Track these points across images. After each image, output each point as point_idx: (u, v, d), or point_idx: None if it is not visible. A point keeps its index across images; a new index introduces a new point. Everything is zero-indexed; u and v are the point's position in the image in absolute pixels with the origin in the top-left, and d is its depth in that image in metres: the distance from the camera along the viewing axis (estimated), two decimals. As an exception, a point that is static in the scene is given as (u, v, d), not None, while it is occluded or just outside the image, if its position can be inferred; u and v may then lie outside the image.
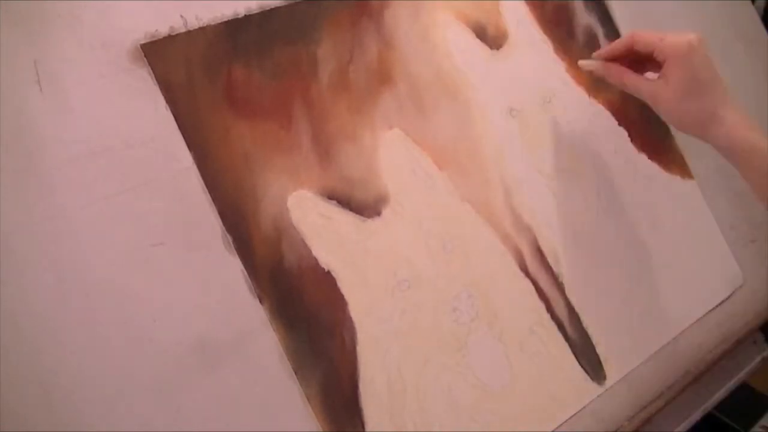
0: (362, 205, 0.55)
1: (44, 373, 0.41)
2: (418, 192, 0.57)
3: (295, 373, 0.49)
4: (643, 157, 0.70)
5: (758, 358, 0.76)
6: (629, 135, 0.70)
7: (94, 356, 0.43)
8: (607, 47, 0.62)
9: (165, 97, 0.48)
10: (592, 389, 0.61)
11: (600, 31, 0.71)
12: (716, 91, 0.56)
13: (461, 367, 0.55)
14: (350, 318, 0.52)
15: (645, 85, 0.58)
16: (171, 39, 0.49)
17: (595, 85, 0.69)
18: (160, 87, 0.48)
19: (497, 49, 0.65)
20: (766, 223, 0.78)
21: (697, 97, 0.56)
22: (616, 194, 0.68)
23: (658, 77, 0.57)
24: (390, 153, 0.57)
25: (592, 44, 0.70)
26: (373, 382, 0.52)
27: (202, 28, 0.50)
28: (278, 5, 0.54)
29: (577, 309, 0.62)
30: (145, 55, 0.48)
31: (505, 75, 0.64)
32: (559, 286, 0.62)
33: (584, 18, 0.71)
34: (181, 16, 0.50)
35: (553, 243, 0.63)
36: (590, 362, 0.62)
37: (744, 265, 0.74)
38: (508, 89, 0.64)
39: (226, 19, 0.52)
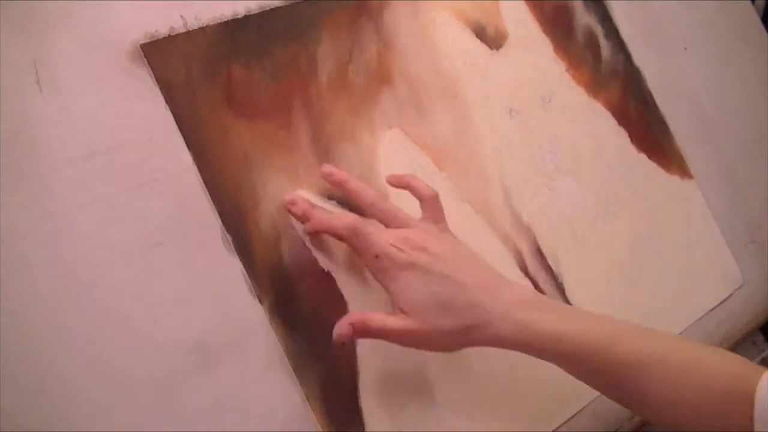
0: (362, 205, 0.54)
1: (44, 373, 0.41)
2: (417, 192, 0.57)
3: (295, 373, 0.49)
4: (643, 157, 0.70)
5: (758, 359, 0.76)
6: (629, 135, 0.70)
7: (93, 356, 0.43)
8: None
9: (165, 97, 0.48)
10: (591, 389, 0.61)
11: (600, 31, 0.71)
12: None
13: (461, 367, 0.55)
14: (350, 318, 0.52)
15: None
16: (171, 39, 0.49)
17: (595, 85, 0.69)
18: (159, 87, 0.48)
19: (497, 49, 0.65)
20: (766, 223, 0.78)
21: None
22: (616, 194, 0.68)
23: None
24: (389, 153, 0.57)
25: (592, 44, 0.70)
26: (373, 382, 0.52)
27: (202, 28, 0.50)
28: (278, 5, 0.54)
29: (576, 309, 0.62)
30: (144, 55, 0.48)
31: (504, 75, 0.64)
32: (559, 287, 0.62)
33: (584, 18, 0.71)
34: (181, 16, 0.50)
35: (553, 243, 0.63)
36: (590, 362, 0.61)
37: (743, 266, 0.74)
38: (508, 89, 0.64)
39: (225, 19, 0.52)
